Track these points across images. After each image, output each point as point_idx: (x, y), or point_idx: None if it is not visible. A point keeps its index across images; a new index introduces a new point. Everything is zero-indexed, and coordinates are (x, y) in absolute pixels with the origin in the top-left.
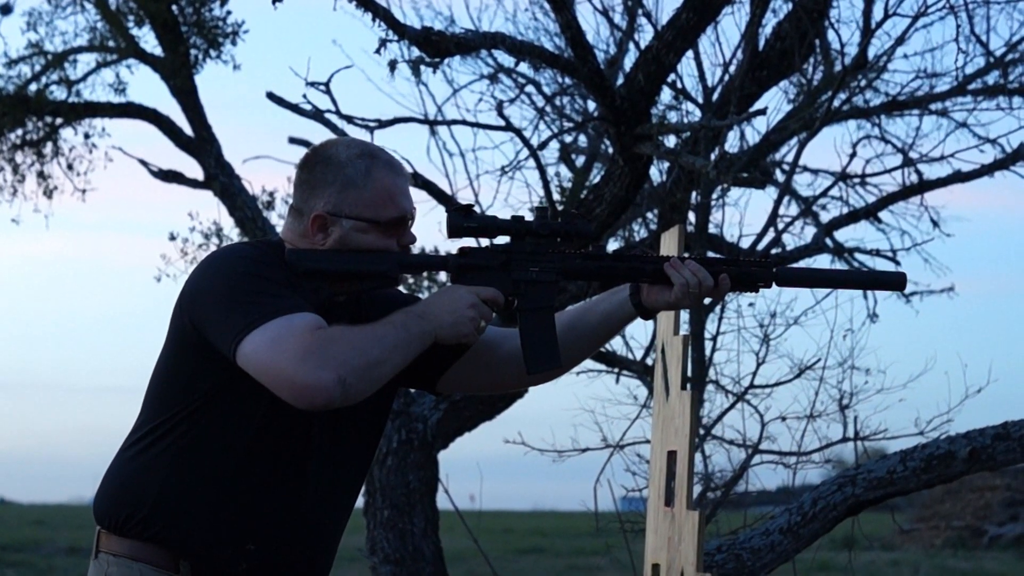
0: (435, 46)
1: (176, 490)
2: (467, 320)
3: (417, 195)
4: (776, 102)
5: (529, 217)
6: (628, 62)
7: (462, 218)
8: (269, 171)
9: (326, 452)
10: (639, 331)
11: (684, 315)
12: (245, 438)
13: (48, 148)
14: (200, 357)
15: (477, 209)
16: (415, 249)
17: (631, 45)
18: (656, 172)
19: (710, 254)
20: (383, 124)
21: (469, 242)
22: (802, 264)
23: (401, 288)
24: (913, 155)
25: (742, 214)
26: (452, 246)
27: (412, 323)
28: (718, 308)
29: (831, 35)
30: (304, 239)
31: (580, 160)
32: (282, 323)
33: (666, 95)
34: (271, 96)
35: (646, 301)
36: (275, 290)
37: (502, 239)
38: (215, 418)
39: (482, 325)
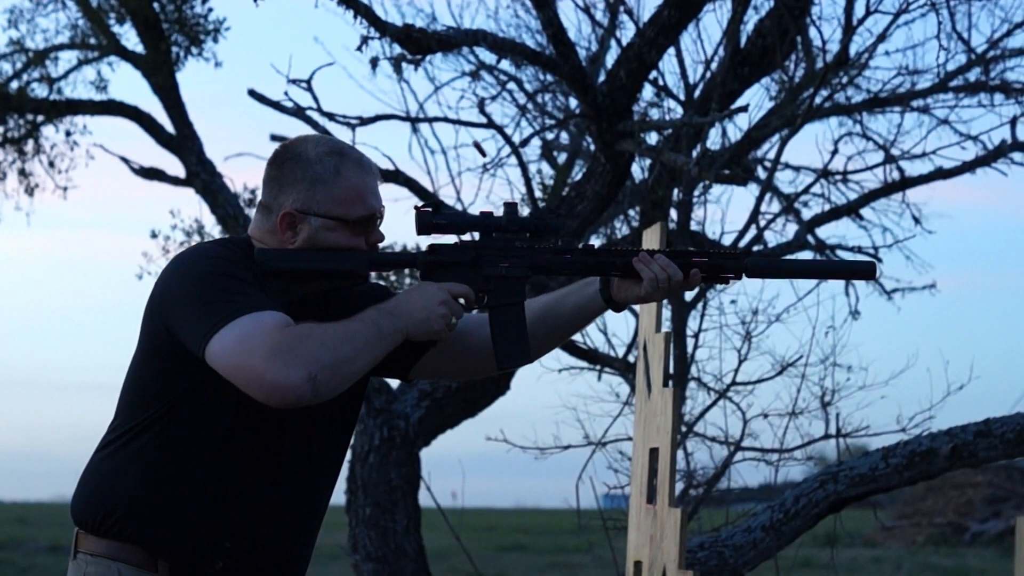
0: (416, 43)
1: (151, 490)
2: (438, 317)
3: (399, 192)
4: (758, 99)
5: (498, 213)
6: (610, 59)
7: (431, 215)
8: (251, 168)
9: (299, 449)
10: (621, 328)
11: (666, 312)
12: (218, 437)
13: (29, 145)
14: (171, 358)
15: (459, 207)
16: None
17: (613, 42)
18: (638, 169)
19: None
20: (365, 121)
21: (440, 238)
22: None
23: (382, 282)
24: (895, 152)
25: (724, 211)
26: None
27: (383, 320)
28: (700, 305)
29: (812, 32)
30: (272, 236)
31: (562, 157)
32: (250, 321)
33: (648, 92)
34: (253, 93)
35: (616, 295)
36: (243, 288)
37: (472, 235)
38: (188, 418)
39: (453, 322)
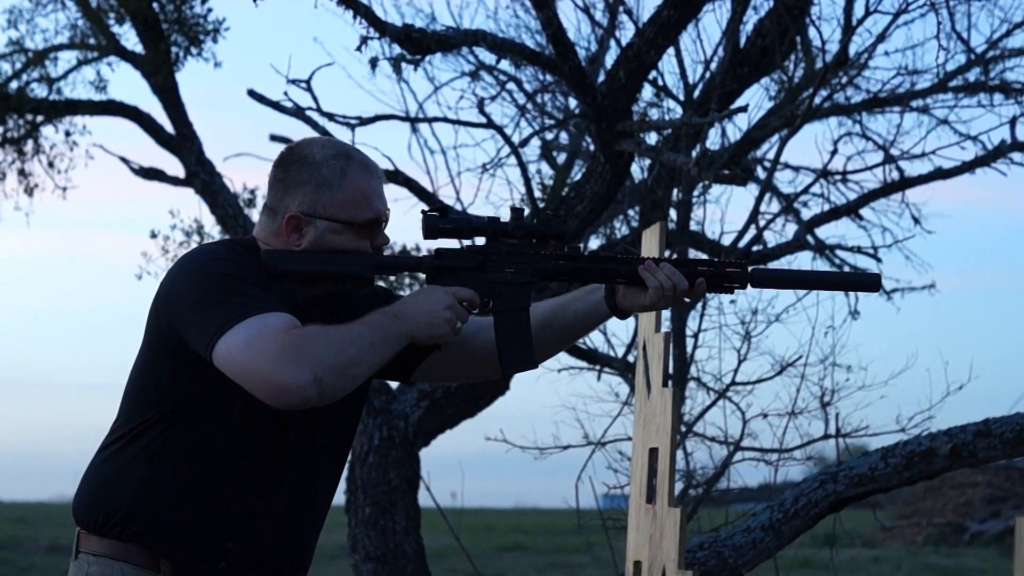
0: (416, 43)
1: (154, 490)
2: (443, 321)
3: (398, 192)
4: (757, 99)
5: (505, 218)
6: (609, 59)
7: (438, 219)
8: (250, 168)
9: (303, 450)
10: (620, 328)
11: (665, 312)
12: (222, 437)
13: (29, 146)
14: (176, 358)
15: (458, 207)
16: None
17: (612, 42)
18: (637, 169)
19: (692, 252)
20: (364, 121)
21: (446, 243)
22: (780, 264)
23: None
24: (894, 152)
25: (723, 211)
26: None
27: (388, 323)
28: (699, 306)
29: (812, 32)
30: (277, 238)
31: (561, 157)
32: (257, 323)
33: (647, 92)
34: (252, 93)
35: (621, 303)
36: (249, 290)
37: (478, 240)
38: (192, 418)
39: (458, 326)
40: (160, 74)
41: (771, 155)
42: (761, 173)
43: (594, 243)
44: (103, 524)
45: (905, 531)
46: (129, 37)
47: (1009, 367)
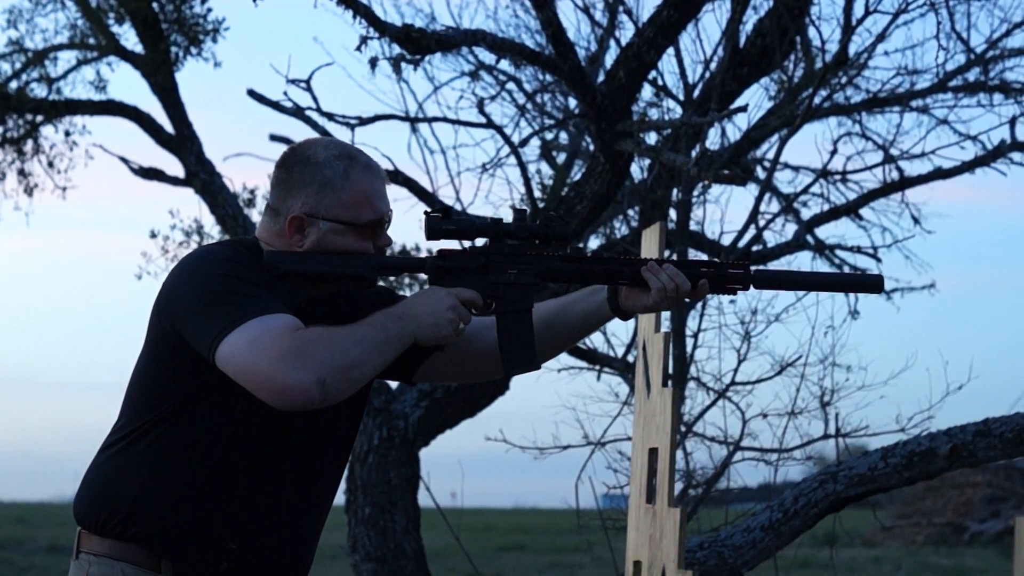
0: (416, 43)
1: (156, 490)
2: (446, 322)
3: (398, 192)
4: (757, 99)
5: (508, 219)
6: (609, 59)
7: (441, 220)
8: (250, 168)
9: (304, 450)
10: (620, 328)
11: (665, 312)
12: (223, 438)
13: (28, 146)
14: (178, 359)
15: (458, 207)
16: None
17: (612, 42)
18: (637, 169)
19: (691, 252)
20: (364, 121)
21: (448, 244)
22: (781, 265)
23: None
24: (894, 152)
25: (723, 211)
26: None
27: (391, 324)
28: (699, 306)
29: (812, 32)
30: (280, 239)
31: (561, 157)
32: (260, 324)
33: (647, 92)
34: (252, 93)
35: (624, 304)
36: (252, 291)
37: (480, 241)
38: (194, 419)
39: (461, 327)
40: (160, 74)
41: (771, 155)
42: (761, 173)
43: (594, 243)
44: (104, 524)
45: (905, 531)
46: (129, 37)
47: (1009, 367)
